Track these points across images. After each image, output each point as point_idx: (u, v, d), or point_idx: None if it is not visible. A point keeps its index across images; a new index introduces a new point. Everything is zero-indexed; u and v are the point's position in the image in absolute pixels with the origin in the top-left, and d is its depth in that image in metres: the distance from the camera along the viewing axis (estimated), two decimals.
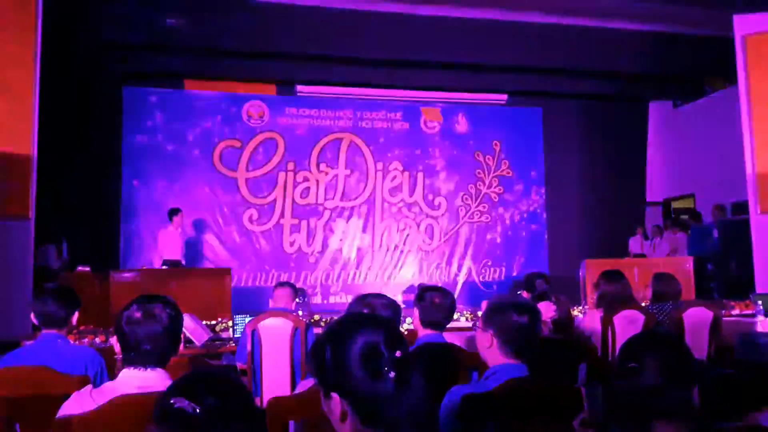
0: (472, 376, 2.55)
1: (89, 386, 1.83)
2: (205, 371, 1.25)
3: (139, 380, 1.79)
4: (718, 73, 9.39)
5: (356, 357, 1.10)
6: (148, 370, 1.82)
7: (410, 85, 9.33)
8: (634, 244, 9.75)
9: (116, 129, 8.64)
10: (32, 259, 5.52)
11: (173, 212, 7.50)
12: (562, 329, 3.33)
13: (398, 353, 1.10)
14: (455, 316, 4.55)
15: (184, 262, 7.57)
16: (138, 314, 1.84)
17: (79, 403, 1.73)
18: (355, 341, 1.12)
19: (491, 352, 1.90)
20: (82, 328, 5.05)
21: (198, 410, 1.07)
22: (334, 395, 1.12)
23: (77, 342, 4.42)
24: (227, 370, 3.77)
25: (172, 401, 1.09)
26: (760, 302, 5.74)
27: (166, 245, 7.38)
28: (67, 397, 1.83)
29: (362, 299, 2.42)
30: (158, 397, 1.15)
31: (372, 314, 1.24)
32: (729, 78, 8.56)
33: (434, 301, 2.66)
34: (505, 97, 10.16)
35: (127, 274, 6.56)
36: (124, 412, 1.66)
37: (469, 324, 5.12)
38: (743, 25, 7.09)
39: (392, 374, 1.09)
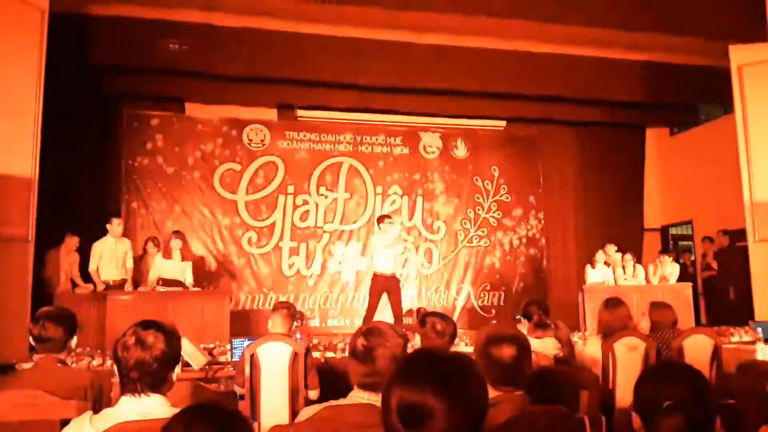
0: None
1: (89, 412, 1.82)
2: (201, 403, 1.27)
3: (137, 406, 1.78)
4: (715, 101, 9.49)
5: (392, 406, 1.16)
6: (148, 396, 1.81)
7: (410, 111, 9.39)
8: (594, 273, 8.62)
9: (117, 151, 8.68)
10: (31, 280, 5.50)
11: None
12: (564, 360, 3.31)
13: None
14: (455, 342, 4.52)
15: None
16: (131, 341, 1.83)
17: (79, 429, 1.72)
18: (395, 394, 1.16)
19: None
20: (79, 350, 5.03)
21: None
22: None
23: (74, 364, 4.38)
24: (224, 398, 3.74)
25: None
26: (759, 329, 5.73)
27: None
28: (65, 422, 1.82)
29: (378, 332, 2.17)
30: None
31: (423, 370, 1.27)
32: (725, 106, 8.66)
33: (436, 328, 2.66)
34: (503, 123, 10.24)
35: (124, 296, 6.53)
36: None
37: (469, 349, 5.09)
38: (739, 55, 7.20)
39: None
